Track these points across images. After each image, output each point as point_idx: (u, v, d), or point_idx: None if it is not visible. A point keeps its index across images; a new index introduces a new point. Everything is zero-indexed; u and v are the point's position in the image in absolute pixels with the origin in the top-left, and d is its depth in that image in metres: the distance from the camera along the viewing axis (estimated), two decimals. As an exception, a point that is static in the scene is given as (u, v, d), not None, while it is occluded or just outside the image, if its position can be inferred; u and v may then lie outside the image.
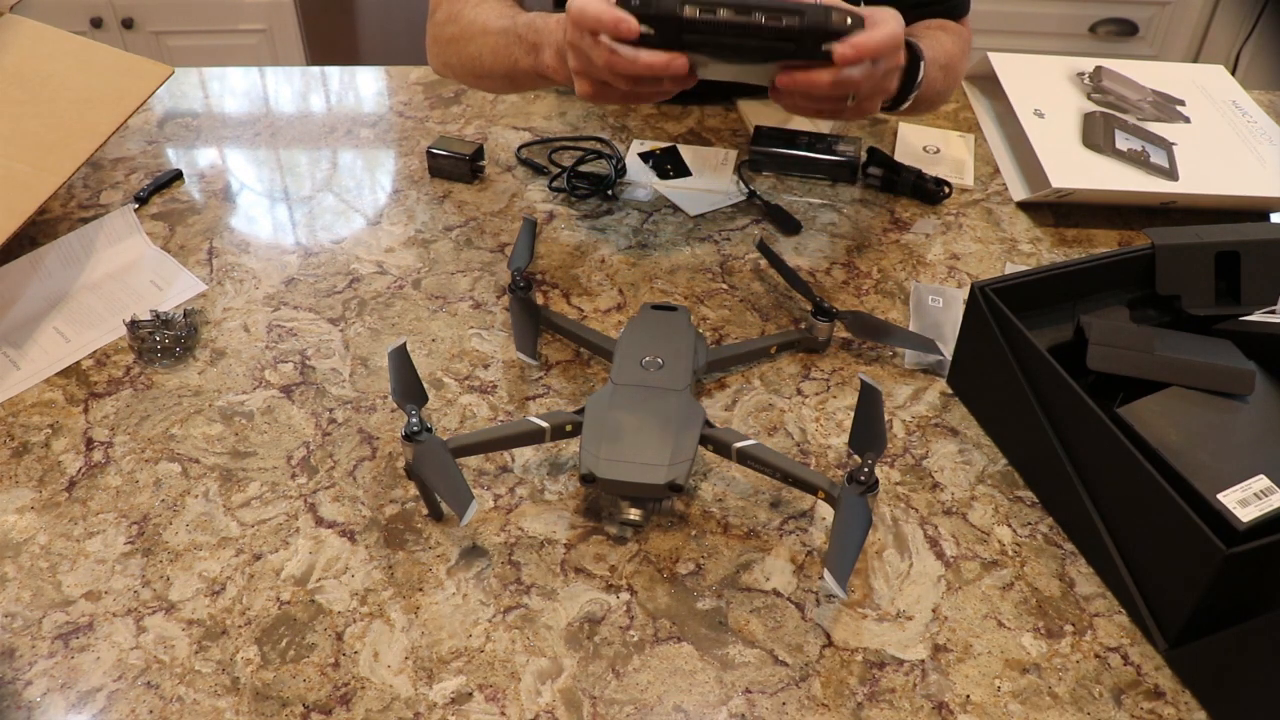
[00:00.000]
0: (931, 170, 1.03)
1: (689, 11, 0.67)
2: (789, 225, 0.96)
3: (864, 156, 1.03)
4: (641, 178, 1.03)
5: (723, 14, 0.67)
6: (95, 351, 0.81)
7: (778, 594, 0.65)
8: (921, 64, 0.83)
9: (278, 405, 0.77)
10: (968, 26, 1.05)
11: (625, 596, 0.64)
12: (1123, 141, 1.02)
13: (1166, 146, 1.02)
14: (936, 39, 0.95)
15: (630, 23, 0.67)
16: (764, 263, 0.92)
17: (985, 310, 0.73)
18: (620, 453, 0.65)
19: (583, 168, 1.03)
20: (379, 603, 0.64)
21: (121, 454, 0.73)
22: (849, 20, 0.67)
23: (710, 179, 1.02)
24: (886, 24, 0.70)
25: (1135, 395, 0.67)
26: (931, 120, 1.14)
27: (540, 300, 0.87)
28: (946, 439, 0.76)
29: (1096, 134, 1.02)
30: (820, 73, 0.69)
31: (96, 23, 2.05)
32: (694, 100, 1.15)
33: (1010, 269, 0.93)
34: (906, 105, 0.85)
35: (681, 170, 1.04)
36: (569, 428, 0.69)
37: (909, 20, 0.98)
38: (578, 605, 0.64)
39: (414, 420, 0.65)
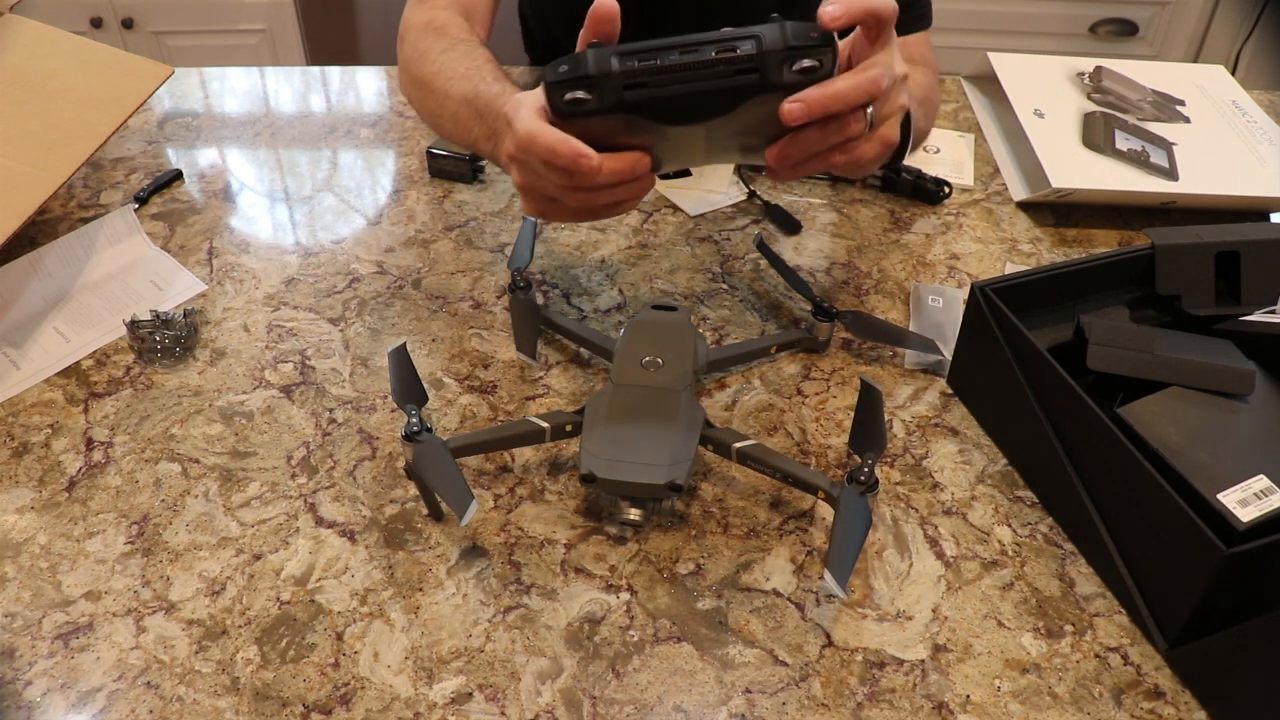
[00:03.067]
0: (931, 170, 1.03)
1: (628, 64, 0.55)
2: (789, 225, 0.96)
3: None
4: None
5: (668, 58, 0.55)
6: (95, 351, 0.81)
7: (778, 594, 0.65)
8: (909, 119, 0.74)
9: (278, 405, 0.77)
10: (929, 48, 0.97)
11: (625, 596, 0.64)
12: (1123, 141, 1.02)
13: (1166, 146, 1.02)
14: (910, 75, 0.88)
15: (591, 160, 0.57)
16: (764, 263, 0.92)
17: (985, 310, 0.73)
18: (620, 453, 0.65)
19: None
20: (379, 603, 0.64)
21: (121, 454, 0.73)
22: (813, 33, 0.56)
23: (710, 179, 1.02)
24: (886, 30, 0.60)
25: (1135, 395, 0.67)
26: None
27: (540, 300, 0.87)
28: (946, 439, 0.76)
29: (1096, 134, 1.02)
30: (839, 81, 0.56)
31: (96, 23, 2.06)
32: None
33: (1010, 269, 0.93)
34: (906, 154, 0.77)
35: (681, 170, 1.03)
36: (569, 428, 0.69)
37: None
38: (578, 605, 0.64)
39: (414, 420, 0.65)
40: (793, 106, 0.56)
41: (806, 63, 0.56)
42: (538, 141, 0.58)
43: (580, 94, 0.56)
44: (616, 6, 0.59)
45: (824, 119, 0.58)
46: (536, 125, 0.58)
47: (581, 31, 0.60)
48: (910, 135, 0.74)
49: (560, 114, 0.57)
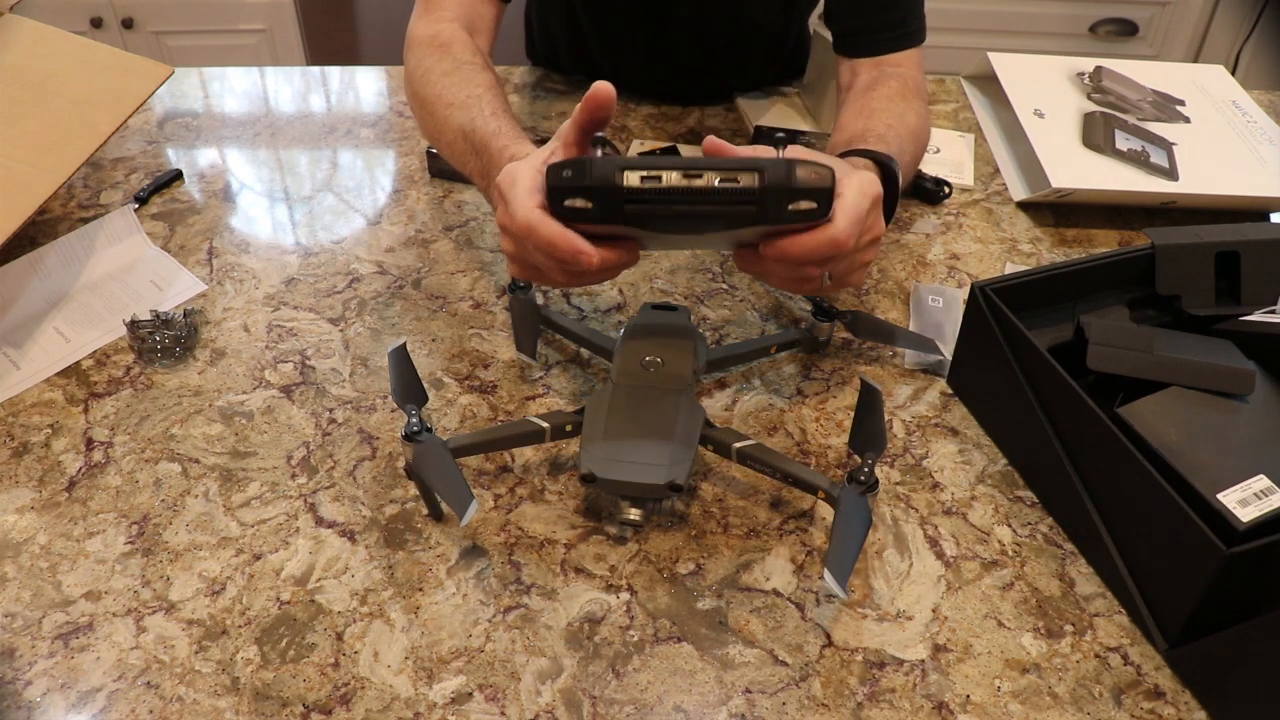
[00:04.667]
0: (931, 170, 1.03)
1: (630, 179, 0.55)
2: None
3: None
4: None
5: (670, 178, 0.55)
6: (95, 351, 0.81)
7: (778, 594, 0.65)
8: (898, 177, 0.77)
9: (278, 405, 0.77)
10: (920, 67, 0.97)
11: (625, 596, 0.64)
12: (1123, 141, 1.02)
13: (1166, 146, 1.02)
14: (901, 118, 0.86)
15: (591, 257, 0.57)
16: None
17: (985, 310, 0.73)
18: (620, 453, 0.65)
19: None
20: (379, 603, 0.64)
21: (121, 454, 0.73)
22: (815, 174, 0.56)
23: (710, 179, 1.02)
24: (856, 176, 0.61)
25: (1135, 395, 0.67)
26: (931, 120, 1.14)
27: (540, 300, 0.87)
28: (946, 439, 0.76)
29: (1096, 134, 1.02)
30: (812, 237, 0.58)
31: (96, 23, 2.06)
32: (694, 100, 1.15)
33: (1010, 269, 0.93)
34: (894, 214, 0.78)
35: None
36: (569, 428, 0.69)
37: (863, 49, 0.96)
38: (578, 605, 0.64)
39: (414, 420, 0.65)
40: (769, 252, 0.59)
41: (804, 205, 0.57)
42: (538, 233, 0.58)
43: (580, 203, 0.56)
44: (613, 93, 0.60)
45: (787, 280, 0.63)
46: (536, 216, 0.58)
47: (576, 110, 0.61)
48: (898, 196, 0.77)
49: (558, 217, 0.58)
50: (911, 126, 0.86)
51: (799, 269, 0.61)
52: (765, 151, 0.60)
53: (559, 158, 0.62)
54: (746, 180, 0.55)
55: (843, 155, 0.77)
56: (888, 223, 0.70)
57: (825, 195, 0.57)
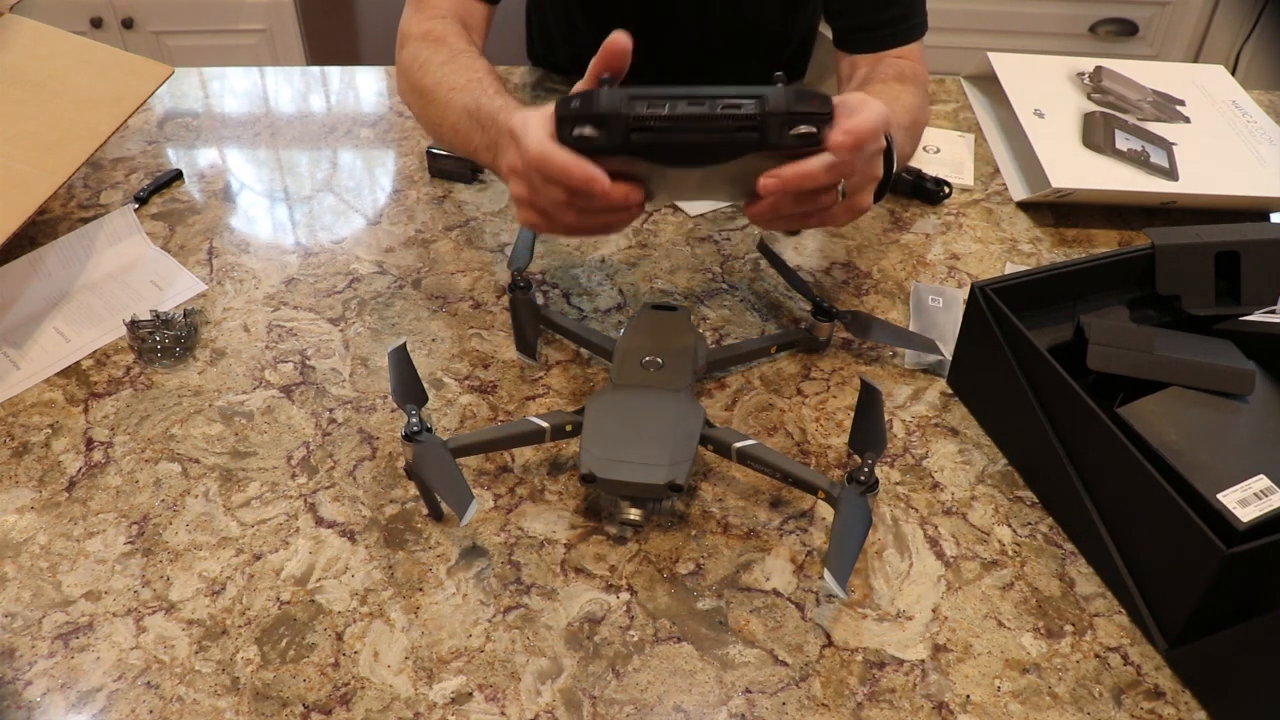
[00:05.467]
0: (931, 170, 1.03)
1: (638, 109, 0.58)
2: (789, 225, 0.96)
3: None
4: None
5: (675, 107, 0.58)
6: (95, 351, 0.81)
7: (778, 594, 0.65)
8: (894, 147, 0.76)
9: (278, 405, 0.77)
10: (922, 60, 0.97)
11: (625, 596, 0.64)
12: (1123, 141, 1.02)
13: (1166, 146, 1.02)
14: (897, 98, 0.86)
15: (604, 182, 0.58)
16: (764, 263, 0.92)
17: (985, 310, 0.73)
18: (620, 453, 0.65)
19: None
20: (379, 603, 0.64)
21: (121, 454, 0.73)
22: (814, 100, 0.59)
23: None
24: (869, 105, 0.62)
25: (1135, 395, 0.67)
26: (931, 120, 1.14)
27: (540, 300, 0.87)
28: (946, 439, 0.76)
29: (1096, 134, 1.02)
30: (811, 162, 0.59)
31: (96, 23, 2.05)
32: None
33: (1010, 269, 0.93)
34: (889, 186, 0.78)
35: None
36: (569, 428, 0.69)
37: (865, 45, 0.96)
38: (578, 605, 0.64)
39: (414, 420, 0.65)
40: (768, 182, 0.60)
41: (804, 129, 0.59)
42: (551, 161, 0.59)
43: (588, 131, 0.58)
44: (629, 43, 0.61)
45: (792, 210, 0.63)
46: (549, 146, 0.59)
47: (593, 61, 0.62)
48: (893, 168, 0.76)
49: (566, 146, 0.59)
50: (907, 105, 0.87)
51: (800, 199, 0.62)
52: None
53: None
54: (749, 107, 0.58)
55: None
56: (879, 200, 0.72)
57: (826, 119, 0.59)
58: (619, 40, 0.61)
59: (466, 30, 0.91)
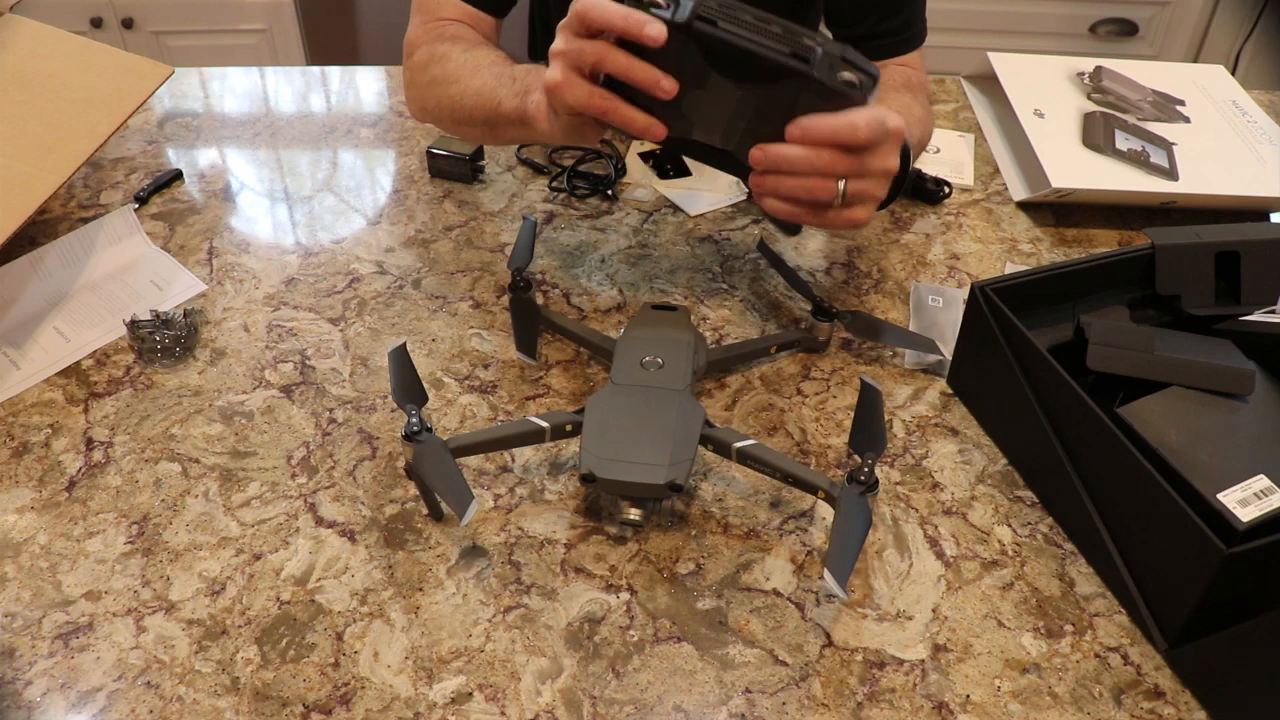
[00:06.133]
0: (931, 170, 1.03)
1: (710, 1, 0.61)
2: (789, 226, 0.96)
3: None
4: (641, 178, 1.03)
5: (741, 14, 0.61)
6: (95, 351, 0.81)
7: (778, 594, 0.65)
8: (910, 155, 0.79)
9: (278, 405, 0.77)
10: (923, 68, 0.99)
11: (625, 596, 0.64)
12: (1123, 141, 1.02)
13: (1166, 146, 1.02)
14: (908, 108, 0.88)
15: (655, 26, 0.60)
16: (764, 263, 0.92)
17: (985, 310, 0.73)
18: (620, 453, 0.65)
19: (583, 167, 1.03)
20: (379, 603, 0.64)
21: (121, 454, 0.73)
22: (866, 65, 0.62)
23: (710, 179, 1.02)
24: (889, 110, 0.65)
25: (1135, 395, 0.67)
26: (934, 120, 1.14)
27: (540, 300, 0.87)
28: (946, 439, 0.76)
29: (1096, 134, 1.02)
30: (838, 115, 0.62)
31: (96, 23, 2.05)
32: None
33: (1010, 269, 0.93)
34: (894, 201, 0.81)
35: (681, 170, 1.04)
36: (569, 428, 0.69)
37: (867, 54, 0.97)
38: (578, 605, 0.64)
39: (414, 420, 0.65)
40: (793, 130, 0.63)
41: (848, 75, 0.62)
42: (597, 7, 0.62)
43: (659, 4, 0.61)
44: None
45: (805, 172, 0.65)
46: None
47: None
48: (909, 167, 0.78)
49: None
50: (918, 115, 0.88)
51: (816, 156, 0.64)
52: None
53: None
54: (806, 39, 0.61)
55: None
56: (889, 205, 0.74)
57: (870, 79, 0.62)
58: None
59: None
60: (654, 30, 0.60)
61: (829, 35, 0.64)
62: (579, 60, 0.64)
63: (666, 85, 0.63)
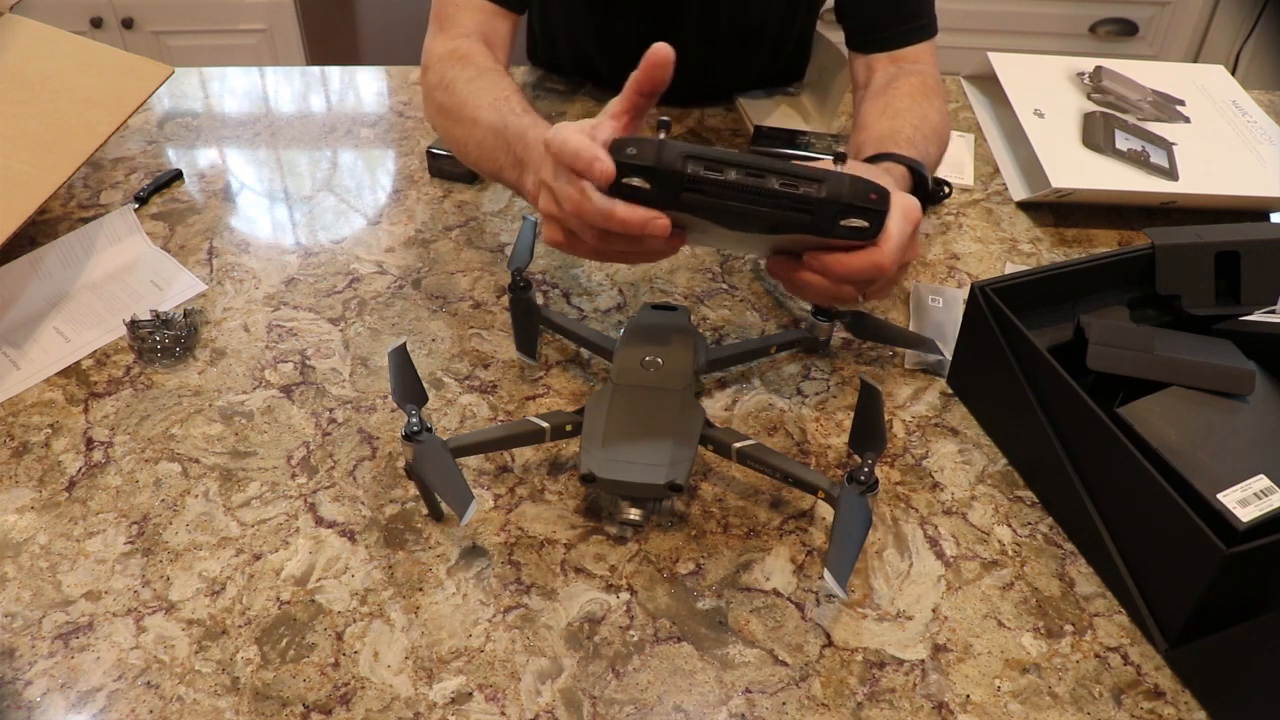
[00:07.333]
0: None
1: (693, 168, 0.56)
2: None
3: (864, 156, 1.02)
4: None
5: (731, 174, 0.56)
6: (95, 351, 0.81)
7: (778, 594, 0.65)
8: (928, 183, 0.79)
9: (278, 405, 0.77)
10: (934, 62, 0.97)
11: (625, 596, 0.64)
12: (1123, 141, 1.02)
13: (1166, 146, 1.02)
14: (925, 118, 0.87)
15: (605, 164, 0.56)
16: (764, 262, 0.91)
17: (985, 310, 0.73)
18: (620, 453, 0.65)
19: (583, 168, 1.03)
20: (379, 603, 0.64)
21: (121, 454, 0.73)
22: (873, 195, 0.57)
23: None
24: (899, 200, 0.61)
25: (1135, 395, 0.67)
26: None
27: (540, 300, 0.87)
28: (946, 439, 0.76)
29: (1096, 134, 1.02)
30: (857, 258, 0.59)
31: (96, 23, 2.05)
32: (694, 101, 1.15)
33: (1010, 269, 0.93)
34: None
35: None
36: (569, 428, 0.69)
37: (877, 45, 0.96)
38: (578, 605, 0.64)
39: (414, 420, 0.65)
40: (805, 275, 0.61)
41: (856, 222, 0.58)
42: (566, 145, 0.57)
43: (639, 182, 0.57)
44: (671, 55, 0.59)
45: (828, 295, 0.63)
46: (570, 133, 0.58)
47: (633, 75, 0.60)
48: (928, 189, 0.78)
49: (615, 194, 0.58)
50: (935, 126, 0.88)
51: (837, 286, 0.62)
52: (824, 163, 0.60)
53: (606, 128, 0.60)
54: (806, 189, 0.56)
55: (871, 158, 0.78)
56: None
57: (879, 217, 0.58)
58: (662, 52, 0.58)
59: (491, 49, 0.91)
60: (601, 169, 0.56)
61: (836, 158, 0.59)
62: (564, 216, 0.61)
63: (658, 228, 0.58)
